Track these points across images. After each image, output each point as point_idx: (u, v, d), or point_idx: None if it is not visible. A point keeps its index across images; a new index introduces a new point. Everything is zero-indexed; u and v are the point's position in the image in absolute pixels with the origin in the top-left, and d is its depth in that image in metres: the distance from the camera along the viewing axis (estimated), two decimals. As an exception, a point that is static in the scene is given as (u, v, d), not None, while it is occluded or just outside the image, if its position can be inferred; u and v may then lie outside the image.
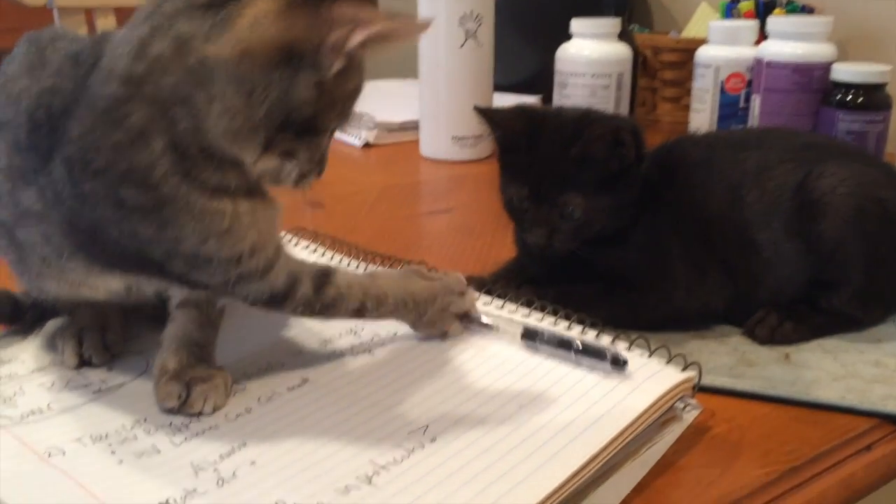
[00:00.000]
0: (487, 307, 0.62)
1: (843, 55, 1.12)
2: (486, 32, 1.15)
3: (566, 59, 1.20)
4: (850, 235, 0.62)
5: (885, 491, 0.51)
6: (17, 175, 0.49)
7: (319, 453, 0.46)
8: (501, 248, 0.73)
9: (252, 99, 0.45)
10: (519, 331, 0.57)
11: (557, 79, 1.22)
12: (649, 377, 0.51)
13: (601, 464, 0.45)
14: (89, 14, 1.42)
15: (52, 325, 0.62)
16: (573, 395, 0.51)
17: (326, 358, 0.58)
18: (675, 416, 0.51)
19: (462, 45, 1.13)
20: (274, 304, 0.51)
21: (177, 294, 0.56)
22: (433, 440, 0.47)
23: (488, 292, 0.63)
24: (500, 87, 1.23)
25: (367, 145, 1.28)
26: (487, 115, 0.66)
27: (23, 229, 0.51)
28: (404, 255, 0.70)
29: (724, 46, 1.14)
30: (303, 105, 0.46)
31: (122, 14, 1.26)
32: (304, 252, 0.75)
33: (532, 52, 1.42)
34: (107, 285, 0.53)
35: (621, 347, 0.54)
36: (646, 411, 0.48)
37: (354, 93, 0.50)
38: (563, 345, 0.55)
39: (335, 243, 0.75)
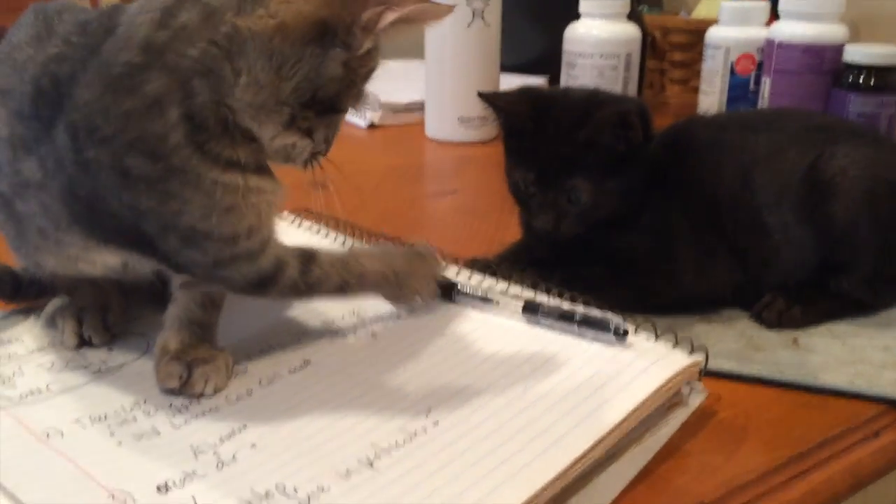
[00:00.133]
0: (489, 285, 0.61)
1: (854, 36, 1.10)
2: (494, 12, 1.13)
3: (574, 39, 1.19)
4: (860, 218, 0.61)
5: (892, 477, 0.50)
6: (19, 144, 0.49)
7: (320, 436, 0.46)
8: (507, 231, 0.72)
9: (281, 74, 0.45)
10: (520, 305, 0.57)
11: (565, 59, 1.21)
12: (655, 361, 0.50)
13: (605, 448, 0.44)
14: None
15: (52, 305, 0.61)
16: (577, 368, 0.50)
17: (328, 339, 0.57)
18: (680, 400, 0.50)
19: (469, 25, 1.12)
20: (260, 288, 0.50)
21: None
22: (436, 423, 0.46)
23: (493, 274, 0.63)
24: (506, 67, 1.21)
25: (371, 126, 1.27)
26: (491, 99, 0.65)
27: (22, 200, 0.50)
28: (409, 237, 0.69)
29: (734, 27, 1.12)
30: (329, 83, 0.46)
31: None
32: (307, 233, 0.74)
33: (539, 33, 1.40)
34: (103, 260, 0.52)
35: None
36: (651, 395, 0.47)
37: (371, 73, 0.50)
38: (565, 317, 0.54)
39: (339, 224, 0.74)
